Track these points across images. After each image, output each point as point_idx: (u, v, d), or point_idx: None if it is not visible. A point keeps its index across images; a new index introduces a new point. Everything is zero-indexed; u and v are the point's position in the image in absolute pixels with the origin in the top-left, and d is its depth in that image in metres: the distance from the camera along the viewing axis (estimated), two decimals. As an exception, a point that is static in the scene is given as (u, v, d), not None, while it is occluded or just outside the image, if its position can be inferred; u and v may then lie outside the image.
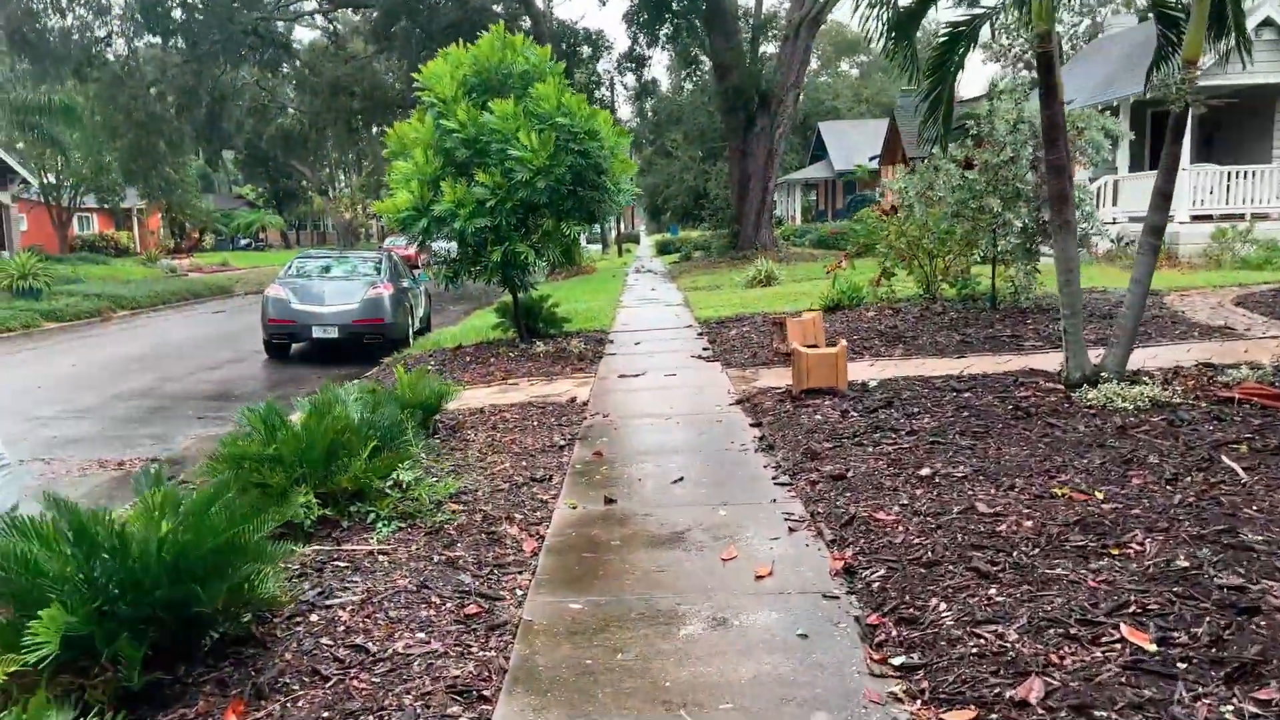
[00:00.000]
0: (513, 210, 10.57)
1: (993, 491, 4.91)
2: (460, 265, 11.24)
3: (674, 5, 27.34)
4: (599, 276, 28.11)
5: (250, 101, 37.20)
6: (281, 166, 60.31)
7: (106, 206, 44.06)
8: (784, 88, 27.19)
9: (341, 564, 4.46)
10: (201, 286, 29.94)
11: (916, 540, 4.31)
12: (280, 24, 31.75)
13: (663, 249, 46.79)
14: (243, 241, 60.67)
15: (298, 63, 30.30)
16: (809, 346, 9.58)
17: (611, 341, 12.58)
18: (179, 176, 44.16)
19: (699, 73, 51.92)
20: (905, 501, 4.88)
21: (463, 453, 6.57)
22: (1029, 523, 4.38)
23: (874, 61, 77.73)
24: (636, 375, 9.81)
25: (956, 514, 4.59)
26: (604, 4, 43.49)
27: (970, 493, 4.92)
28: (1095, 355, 7.64)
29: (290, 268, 14.65)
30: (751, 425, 7.13)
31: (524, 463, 6.29)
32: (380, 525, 4.96)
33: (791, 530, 4.72)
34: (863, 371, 8.75)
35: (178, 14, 24.87)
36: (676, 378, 9.59)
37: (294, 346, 14.36)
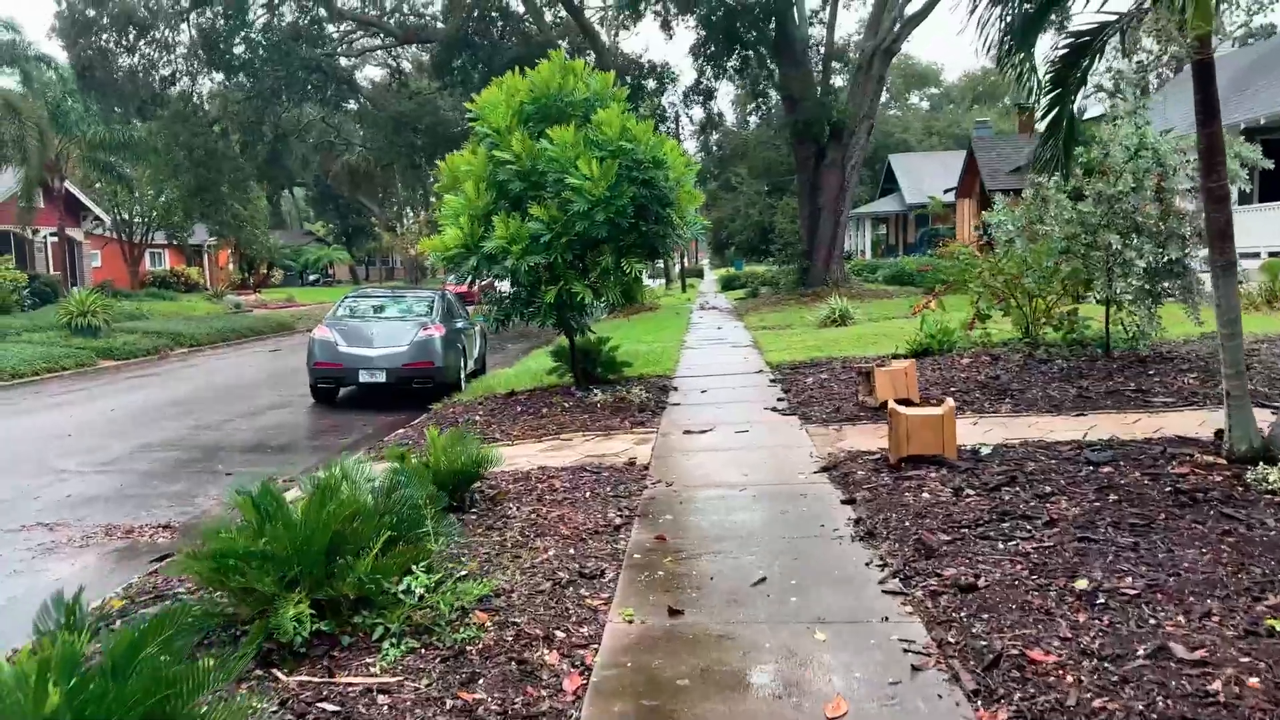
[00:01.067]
0: (569, 246, 9.65)
1: (1183, 621, 3.71)
2: (512, 306, 10.33)
3: (743, 36, 26.47)
4: (662, 314, 27.14)
5: (317, 138, 37.34)
6: (351, 203, 60.96)
7: (175, 243, 44.62)
8: (856, 119, 26.09)
9: (329, 708, 3.45)
10: (263, 323, 29.73)
11: (1098, 702, 3.14)
12: (345, 60, 31.76)
13: (727, 284, 45.73)
14: (311, 277, 61.30)
15: (361, 98, 30.15)
16: (902, 401, 8.42)
17: (675, 389, 11.53)
18: (247, 213, 44.62)
19: (765, 105, 51.19)
20: (1067, 633, 3.70)
21: (500, 534, 5.55)
22: (1254, 680, 3.18)
23: (945, 94, 76.20)
24: (703, 431, 8.73)
25: (1144, 658, 3.41)
26: (670, 37, 42.97)
27: (1153, 621, 3.73)
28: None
29: (339, 307, 13.93)
30: (843, 502, 5.98)
31: (572, 550, 5.24)
32: (388, 646, 3.95)
33: (915, 670, 3.57)
34: (967, 432, 7.54)
35: (239, 49, 24.82)
36: (749, 435, 8.49)
37: (342, 390, 13.61)
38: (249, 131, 27.72)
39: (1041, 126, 7.36)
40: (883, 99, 55.16)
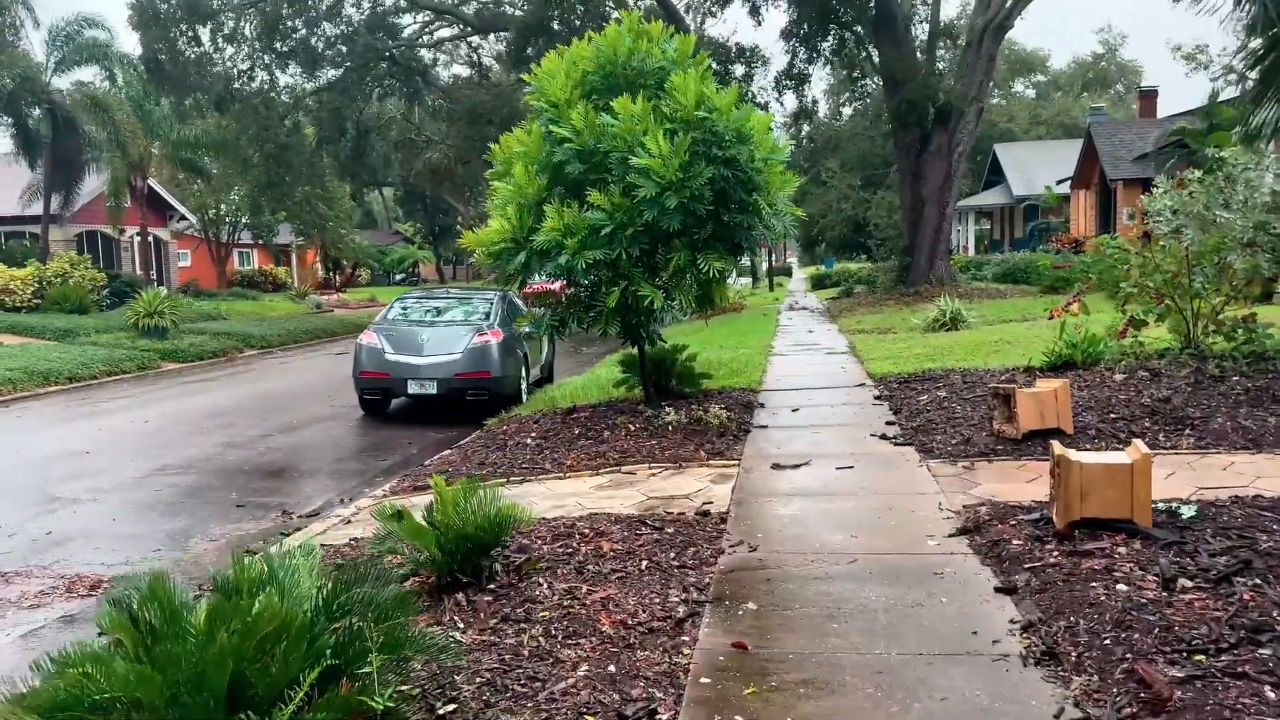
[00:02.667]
0: (635, 239, 8.10)
1: None
2: (569, 310, 8.82)
3: (839, 14, 24.55)
4: (747, 315, 25.41)
5: (398, 134, 36.71)
6: (437, 202, 60.66)
7: (262, 242, 44.74)
8: (965, 101, 23.86)
9: None
10: (338, 324, 29.08)
11: None
12: (426, 53, 30.91)
13: (817, 283, 43.70)
14: (398, 276, 61.24)
15: (439, 92, 29.18)
16: (1052, 433, 6.67)
17: (761, 406, 9.90)
18: (332, 212, 44.45)
19: (861, 94, 48.69)
20: None
21: (517, 634, 4.02)
22: None
23: (1052, 81, 72.24)
24: (796, 466, 7.08)
25: None
26: (759, 24, 41.07)
27: None
28: None
29: (390, 310, 12.67)
30: (998, 591, 4.29)
31: (612, 665, 3.68)
32: None
33: None
34: (1149, 479, 5.72)
35: (307, 39, 24.00)
36: (855, 474, 6.81)
37: (394, 402, 12.36)
38: (326, 126, 26.99)
39: (1255, 74, 5.51)
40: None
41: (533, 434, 8.93)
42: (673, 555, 5.03)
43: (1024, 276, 24.97)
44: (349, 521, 6.92)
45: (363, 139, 28.94)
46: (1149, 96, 34.34)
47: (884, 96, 26.41)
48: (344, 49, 25.63)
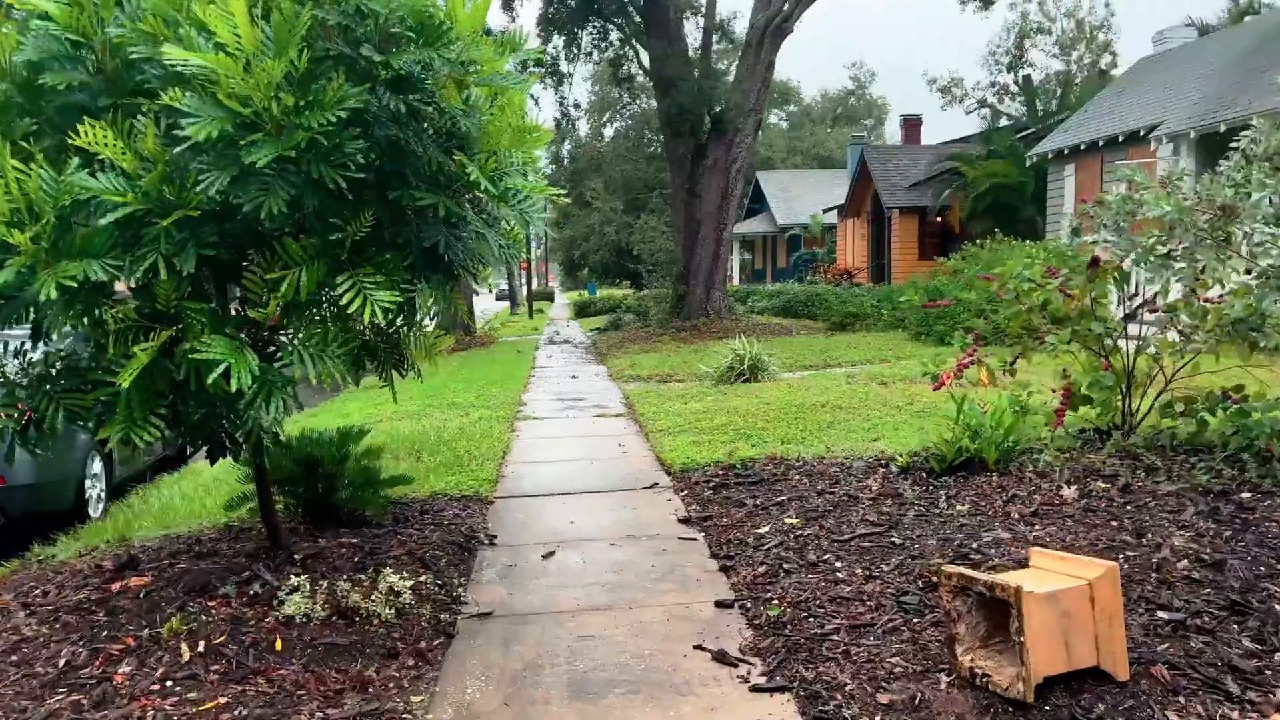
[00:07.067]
0: (193, 235, 3.61)
1: None
2: (52, 391, 4.10)
3: (600, 2, 21.03)
4: (499, 351, 21.11)
5: None
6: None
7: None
8: (743, 111, 20.97)
9: None
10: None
11: None
12: None
13: (581, 310, 40.05)
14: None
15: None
16: (1093, 675, 2.88)
17: (491, 544, 5.66)
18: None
19: (624, 113, 45.86)
20: None
21: None
22: None
23: (804, 112, 73.66)
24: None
25: None
26: (514, 19, 37.23)
27: None
28: None
29: None
30: None
31: None
32: None
33: None
34: None
35: None
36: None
37: None
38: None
39: None
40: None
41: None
42: None
43: (805, 310, 22.40)
44: None
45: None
46: (914, 124, 33.61)
47: (656, 100, 23.15)
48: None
